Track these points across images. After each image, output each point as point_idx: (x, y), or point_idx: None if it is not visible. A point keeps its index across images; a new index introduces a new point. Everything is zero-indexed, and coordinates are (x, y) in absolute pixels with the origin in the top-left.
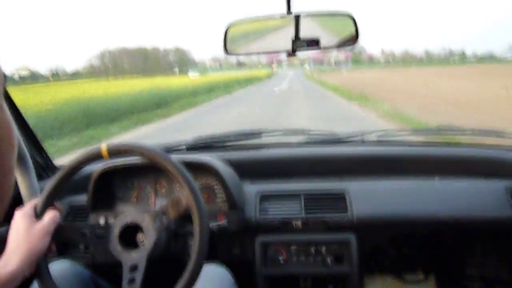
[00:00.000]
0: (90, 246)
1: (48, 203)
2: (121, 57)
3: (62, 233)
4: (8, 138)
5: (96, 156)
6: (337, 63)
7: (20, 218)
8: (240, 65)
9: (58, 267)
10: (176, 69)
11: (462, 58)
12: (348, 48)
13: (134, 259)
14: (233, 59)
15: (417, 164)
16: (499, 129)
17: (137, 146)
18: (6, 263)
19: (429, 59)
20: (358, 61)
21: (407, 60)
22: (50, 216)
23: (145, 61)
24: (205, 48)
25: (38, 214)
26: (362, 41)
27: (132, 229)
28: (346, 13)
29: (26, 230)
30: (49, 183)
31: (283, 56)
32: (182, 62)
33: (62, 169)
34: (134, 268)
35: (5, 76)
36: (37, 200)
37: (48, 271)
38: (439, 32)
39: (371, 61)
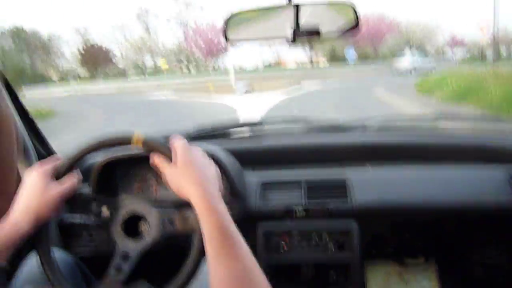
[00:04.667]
0: (93, 235)
1: (71, 167)
2: None
3: (76, 202)
4: (7, 130)
5: (127, 141)
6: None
7: (38, 176)
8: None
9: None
10: None
11: None
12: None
13: (135, 248)
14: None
15: (418, 151)
16: (499, 116)
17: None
18: (17, 224)
19: None
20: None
21: None
22: (72, 180)
23: None
24: None
25: (58, 176)
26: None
27: (135, 219)
28: (347, 1)
29: (42, 190)
30: (77, 149)
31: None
32: None
33: (92, 141)
34: (125, 257)
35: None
36: (59, 161)
37: (48, 238)
38: None
39: None
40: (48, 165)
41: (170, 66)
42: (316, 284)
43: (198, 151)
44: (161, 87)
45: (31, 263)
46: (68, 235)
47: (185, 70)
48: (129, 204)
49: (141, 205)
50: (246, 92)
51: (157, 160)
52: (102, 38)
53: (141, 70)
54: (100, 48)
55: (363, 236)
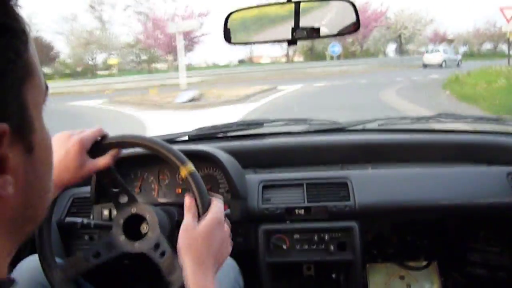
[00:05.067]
0: (95, 237)
1: (110, 147)
2: None
3: (107, 177)
4: (47, 160)
5: (175, 164)
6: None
7: (76, 147)
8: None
9: (31, 263)
10: None
11: None
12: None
13: (139, 249)
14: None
15: (419, 152)
16: (499, 116)
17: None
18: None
19: None
20: None
21: None
22: (107, 160)
23: None
24: None
25: (94, 151)
26: None
27: (136, 220)
28: (347, 0)
29: (77, 165)
30: (125, 135)
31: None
32: None
33: (146, 139)
34: (157, 246)
35: (47, 88)
36: (101, 135)
37: (50, 242)
38: None
39: None
40: (88, 137)
41: (123, 64)
42: (317, 284)
43: (222, 225)
44: (100, 91)
45: (27, 266)
46: (68, 236)
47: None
48: (129, 205)
49: (141, 206)
50: (193, 100)
51: (189, 203)
52: (48, 29)
53: (90, 68)
54: (40, 41)
55: (364, 237)
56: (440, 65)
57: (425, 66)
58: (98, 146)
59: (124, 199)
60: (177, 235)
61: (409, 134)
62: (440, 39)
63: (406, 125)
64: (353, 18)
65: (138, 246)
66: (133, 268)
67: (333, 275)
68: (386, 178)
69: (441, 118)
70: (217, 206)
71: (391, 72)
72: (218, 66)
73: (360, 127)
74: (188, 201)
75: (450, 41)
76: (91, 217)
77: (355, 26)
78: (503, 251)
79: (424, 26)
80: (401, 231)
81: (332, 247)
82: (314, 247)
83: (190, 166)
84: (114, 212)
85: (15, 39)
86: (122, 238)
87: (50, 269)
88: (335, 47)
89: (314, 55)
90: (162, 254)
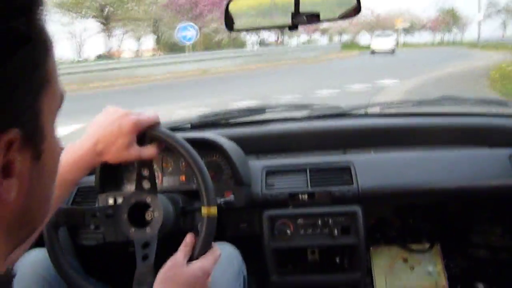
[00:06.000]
0: (100, 226)
1: (157, 138)
2: None
3: (145, 165)
4: (53, 169)
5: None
6: None
7: (130, 128)
8: None
9: (34, 256)
10: None
11: None
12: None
13: (144, 236)
14: None
15: (421, 135)
16: (501, 98)
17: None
18: (89, 162)
19: None
20: None
21: None
22: (153, 151)
23: None
24: None
25: (142, 137)
26: None
27: (141, 207)
28: None
29: (125, 148)
30: (173, 135)
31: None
32: None
33: (189, 150)
34: (146, 245)
35: (62, 95)
36: (155, 121)
37: (58, 235)
38: None
39: None
40: (144, 121)
41: None
42: (321, 268)
43: (207, 277)
44: None
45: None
46: (74, 225)
47: None
48: (133, 193)
49: (153, 197)
50: None
51: (189, 241)
52: None
53: None
54: None
55: (368, 221)
56: (392, 51)
57: (373, 52)
58: (148, 134)
59: (147, 185)
60: (181, 222)
61: (411, 118)
62: (313, 28)
63: (408, 108)
64: (353, 2)
65: (132, 232)
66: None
67: (337, 259)
68: (388, 162)
69: (443, 101)
70: (214, 256)
71: (290, 70)
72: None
73: (362, 111)
74: (189, 238)
75: (325, 30)
76: (96, 205)
77: (356, 10)
78: (505, 233)
79: None
80: (404, 215)
81: (335, 231)
82: (318, 231)
83: (214, 210)
84: (119, 201)
85: (36, 50)
86: (125, 217)
87: (58, 261)
88: (186, 31)
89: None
90: (145, 257)
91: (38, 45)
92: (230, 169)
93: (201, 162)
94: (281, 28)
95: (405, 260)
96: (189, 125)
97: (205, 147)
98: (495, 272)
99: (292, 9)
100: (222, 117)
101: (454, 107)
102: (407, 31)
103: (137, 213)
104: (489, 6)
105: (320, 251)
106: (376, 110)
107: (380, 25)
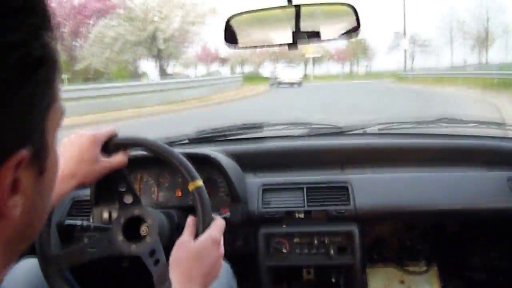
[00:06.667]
0: (93, 239)
1: (124, 146)
2: None
3: (118, 175)
4: (54, 181)
5: (186, 178)
6: None
7: (90, 143)
8: None
9: (26, 265)
10: None
11: None
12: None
13: (148, 247)
14: None
15: (419, 155)
16: (500, 120)
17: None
18: (60, 187)
19: None
20: None
21: None
22: (122, 159)
23: None
24: None
25: (107, 149)
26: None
27: (136, 222)
28: (347, 3)
29: (93, 159)
30: (138, 136)
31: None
32: None
33: (159, 145)
34: (152, 252)
35: (63, 112)
36: (113, 134)
37: (50, 244)
38: None
39: None
40: (101, 134)
41: None
42: (317, 287)
43: (218, 246)
44: None
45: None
46: (68, 238)
47: None
48: (129, 207)
49: (144, 208)
50: None
51: (190, 222)
52: None
53: None
54: None
55: (364, 240)
56: (300, 83)
57: (279, 84)
58: (111, 144)
59: (129, 199)
60: (176, 238)
61: (410, 138)
62: (211, 57)
63: (407, 129)
64: (353, 21)
65: (134, 248)
66: (131, 272)
67: (333, 279)
68: (386, 182)
69: (442, 122)
70: (218, 226)
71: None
72: None
73: (360, 131)
74: (190, 220)
75: (225, 60)
76: (91, 219)
77: (356, 30)
78: (503, 256)
79: (203, 18)
80: (401, 235)
81: (332, 251)
82: (314, 250)
83: (199, 182)
84: (114, 215)
85: (49, 71)
86: (120, 237)
87: (49, 272)
88: None
89: None
90: (156, 262)
91: (51, 65)
92: (226, 186)
93: (170, 149)
94: (281, 46)
95: (402, 282)
96: (186, 140)
97: (202, 162)
98: None
99: (293, 27)
100: (220, 132)
101: (452, 128)
102: (315, 61)
103: (132, 226)
104: (396, 37)
105: (315, 270)
106: (375, 129)
107: (286, 55)
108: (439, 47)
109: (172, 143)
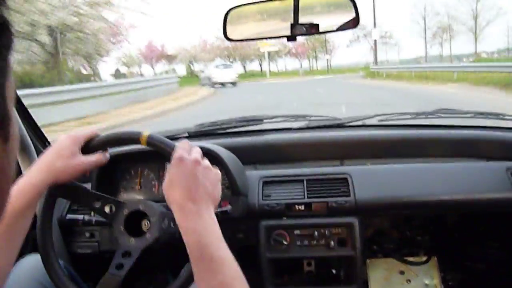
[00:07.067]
0: (95, 234)
1: (103, 146)
2: None
3: (79, 199)
4: (16, 150)
5: (133, 141)
6: None
7: (68, 140)
8: None
9: (29, 261)
10: None
11: None
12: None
13: (138, 245)
14: None
15: (418, 147)
16: (498, 111)
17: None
18: (34, 184)
19: None
20: None
21: None
22: (100, 157)
23: None
24: None
25: (86, 149)
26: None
27: (136, 217)
28: None
29: (69, 155)
30: (105, 135)
31: None
32: None
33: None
34: (126, 254)
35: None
36: (93, 135)
37: (51, 239)
38: None
39: None
40: (82, 134)
41: None
42: (317, 280)
43: (197, 153)
44: None
45: (27, 264)
46: (69, 233)
47: None
48: (130, 201)
49: (142, 202)
50: None
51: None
52: None
53: None
54: None
55: (364, 232)
56: (234, 83)
57: (214, 84)
58: (91, 144)
59: (131, 193)
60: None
61: (409, 130)
62: (157, 55)
63: (406, 120)
64: (352, 14)
65: (133, 242)
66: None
67: (334, 271)
68: (386, 174)
69: (440, 113)
70: (180, 144)
71: None
72: None
73: (359, 122)
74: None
75: (172, 58)
76: (92, 214)
77: (355, 22)
78: (503, 246)
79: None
80: (401, 227)
81: (332, 243)
82: (315, 242)
83: (144, 133)
84: (115, 209)
85: (8, 38)
86: (121, 231)
87: (52, 268)
88: None
89: None
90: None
91: (9, 33)
92: (227, 179)
93: (111, 132)
94: (279, 38)
95: (402, 273)
96: (186, 134)
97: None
98: (492, 286)
99: (292, 19)
100: (219, 126)
101: (451, 119)
102: (272, 57)
103: (133, 221)
104: (359, 28)
105: (316, 262)
106: (374, 121)
107: (239, 50)
108: (401, 40)
109: (171, 137)
